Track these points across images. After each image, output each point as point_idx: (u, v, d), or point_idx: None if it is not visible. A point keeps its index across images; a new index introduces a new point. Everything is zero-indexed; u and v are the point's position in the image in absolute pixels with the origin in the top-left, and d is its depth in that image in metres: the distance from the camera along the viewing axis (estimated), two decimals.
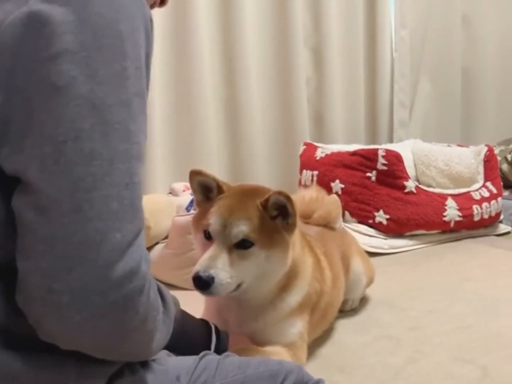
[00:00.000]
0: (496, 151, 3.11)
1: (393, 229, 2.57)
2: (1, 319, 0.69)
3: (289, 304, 1.32)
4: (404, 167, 2.62)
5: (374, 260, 2.04)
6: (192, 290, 1.18)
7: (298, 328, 1.33)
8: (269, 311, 1.31)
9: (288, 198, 1.22)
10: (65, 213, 0.65)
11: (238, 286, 1.21)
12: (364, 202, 2.62)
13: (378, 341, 1.58)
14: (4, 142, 0.67)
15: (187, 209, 2.31)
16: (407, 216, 2.56)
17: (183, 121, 2.97)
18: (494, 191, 2.79)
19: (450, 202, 2.64)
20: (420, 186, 2.67)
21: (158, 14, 2.69)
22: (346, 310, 1.76)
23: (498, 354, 1.47)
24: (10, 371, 0.68)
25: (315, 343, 1.51)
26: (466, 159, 2.82)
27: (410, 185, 2.61)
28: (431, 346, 1.52)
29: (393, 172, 2.59)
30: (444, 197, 2.66)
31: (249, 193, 1.29)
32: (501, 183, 2.89)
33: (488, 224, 2.77)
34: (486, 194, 2.75)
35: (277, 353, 1.24)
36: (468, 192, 2.73)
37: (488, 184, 2.80)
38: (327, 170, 2.77)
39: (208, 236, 1.23)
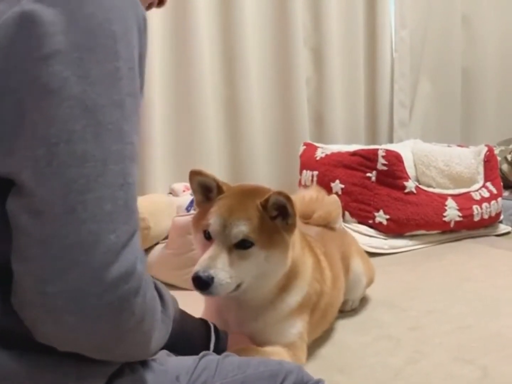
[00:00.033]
0: (496, 151, 3.11)
1: (393, 229, 2.57)
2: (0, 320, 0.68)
3: (289, 304, 1.32)
4: (404, 167, 2.62)
5: (374, 260, 2.04)
6: (192, 290, 1.18)
7: (298, 328, 1.33)
8: (269, 311, 1.30)
9: (288, 198, 1.22)
10: (59, 216, 0.64)
11: (238, 286, 1.21)
12: (364, 202, 2.62)
13: (378, 341, 1.58)
14: None
15: (187, 209, 2.30)
16: (407, 216, 2.56)
17: (183, 121, 2.96)
18: (494, 191, 2.79)
19: (450, 202, 2.64)
20: (420, 186, 2.67)
21: (158, 14, 2.69)
22: (346, 311, 1.76)
23: (498, 354, 1.46)
24: (10, 371, 0.67)
25: (315, 343, 1.51)
26: (466, 159, 2.82)
27: (410, 185, 2.60)
28: (431, 346, 1.52)
29: (393, 172, 2.59)
30: (444, 197, 2.66)
31: (249, 193, 1.29)
32: (501, 183, 2.89)
33: (488, 224, 2.77)
34: (486, 194, 2.74)
35: (276, 353, 1.24)
36: (468, 192, 2.73)
37: (488, 184, 2.80)
38: (327, 170, 2.77)
39: (208, 236, 1.23)
